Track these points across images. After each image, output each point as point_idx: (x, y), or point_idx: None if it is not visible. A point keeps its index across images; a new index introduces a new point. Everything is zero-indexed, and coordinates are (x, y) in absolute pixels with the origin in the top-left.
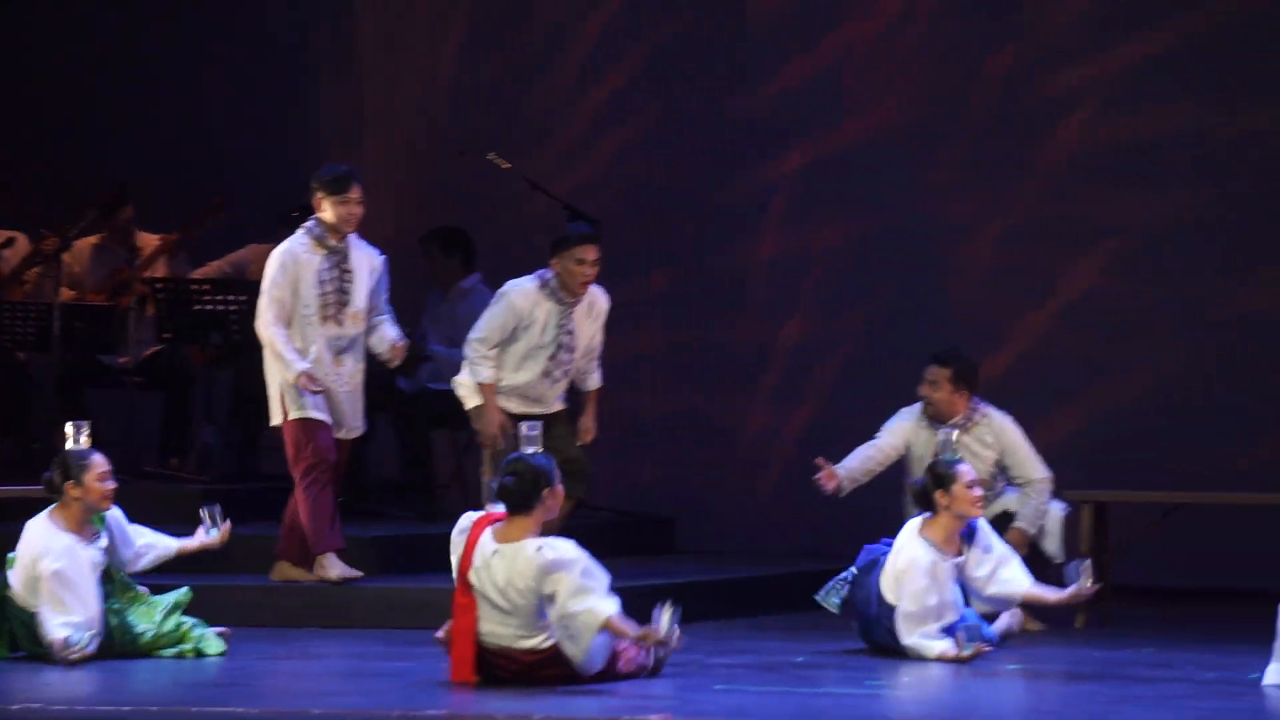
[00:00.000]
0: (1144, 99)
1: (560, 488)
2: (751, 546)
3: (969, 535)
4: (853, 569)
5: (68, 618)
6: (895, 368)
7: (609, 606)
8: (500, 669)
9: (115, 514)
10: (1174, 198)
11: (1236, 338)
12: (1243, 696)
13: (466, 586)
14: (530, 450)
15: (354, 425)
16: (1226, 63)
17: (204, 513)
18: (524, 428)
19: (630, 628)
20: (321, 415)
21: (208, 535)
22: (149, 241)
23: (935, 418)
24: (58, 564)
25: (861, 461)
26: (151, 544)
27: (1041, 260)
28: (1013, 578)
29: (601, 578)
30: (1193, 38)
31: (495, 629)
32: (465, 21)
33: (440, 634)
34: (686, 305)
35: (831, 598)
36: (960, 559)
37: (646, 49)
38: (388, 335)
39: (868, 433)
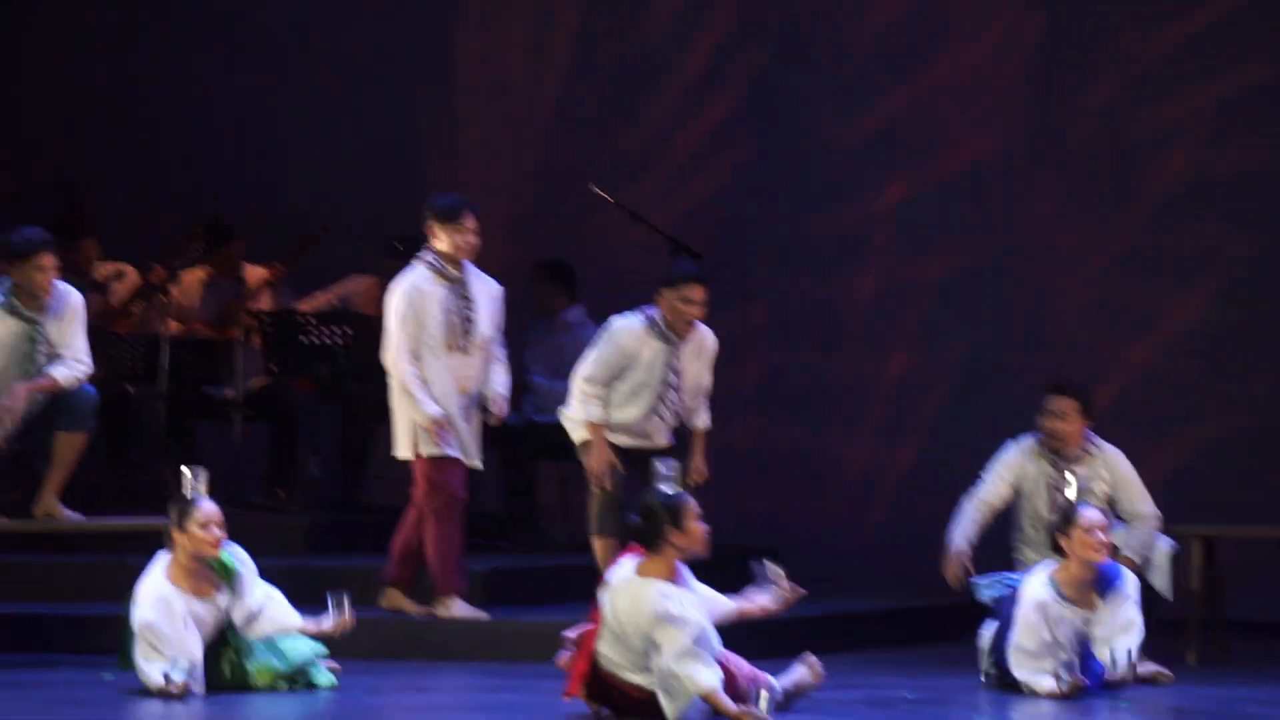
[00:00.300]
0: (1246, 131)
1: (696, 525)
2: (857, 580)
3: (1104, 587)
4: (1018, 576)
5: (159, 661)
6: (998, 401)
7: (709, 679)
8: (610, 694)
9: (245, 567)
10: (1268, 232)
11: None
12: None
13: (598, 604)
14: (664, 487)
15: (476, 456)
16: None
17: (331, 599)
18: (659, 466)
19: (729, 705)
20: (455, 453)
21: (330, 621)
22: (255, 274)
23: (1056, 451)
24: (148, 615)
25: (975, 525)
26: (272, 615)
27: (1144, 293)
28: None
29: (710, 646)
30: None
31: (610, 654)
32: (566, 46)
33: (570, 634)
34: (787, 339)
35: (987, 590)
36: (1089, 614)
37: (746, 78)
38: (496, 391)
39: (972, 466)
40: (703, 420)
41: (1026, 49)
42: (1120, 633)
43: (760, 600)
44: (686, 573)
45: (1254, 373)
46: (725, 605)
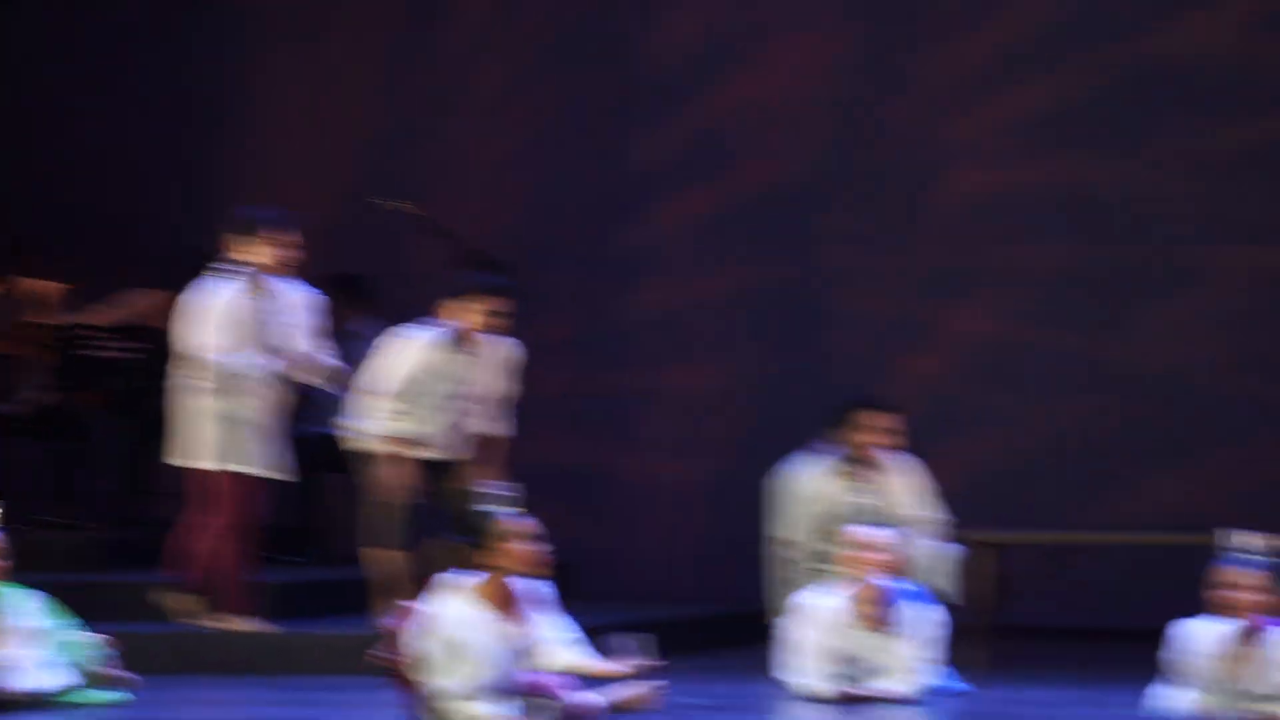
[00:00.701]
0: (1033, 150)
1: (523, 547)
2: (651, 593)
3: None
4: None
5: None
6: (791, 417)
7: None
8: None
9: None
10: (1061, 248)
11: (1123, 385)
12: None
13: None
14: (498, 506)
15: (284, 468)
16: (1110, 117)
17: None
18: (491, 487)
19: None
20: (256, 470)
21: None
22: (47, 289)
23: (861, 465)
24: None
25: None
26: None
27: (932, 308)
28: None
29: (509, 682)
30: (1079, 91)
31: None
32: (369, 68)
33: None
34: (581, 353)
35: None
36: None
37: (544, 97)
38: (321, 363)
39: (761, 480)
40: (499, 429)
41: (826, 67)
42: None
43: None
44: (536, 598)
45: (1041, 387)
46: (562, 646)
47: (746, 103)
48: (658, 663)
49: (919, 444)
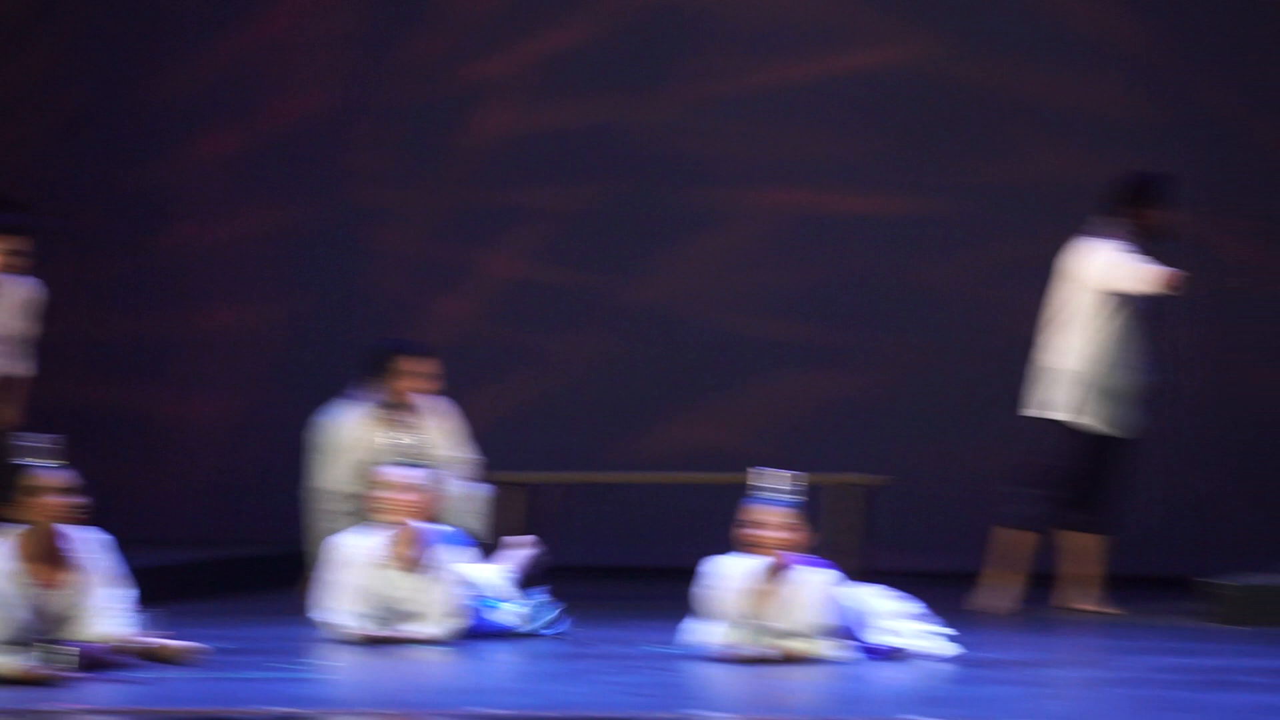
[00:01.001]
0: (558, 91)
1: (44, 500)
2: (186, 533)
3: None
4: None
5: None
6: (323, 356)
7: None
8: None
9: None
10: (586, 189)
11: (648, 325)
12: (642, 670)
13: None
14: (25, 460)
15: None
16: (633, 58)
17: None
18: (29, 439)
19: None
20: None
21: None
22: None
23: (399, 409)
24: None
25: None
26: None
27: (463, 246)
28: None
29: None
30: (603, 32)
31: None
32: None
33: None
34: (113, 293)
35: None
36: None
37: (68, 31)
38: None
39: (298, 421)
40: (22, 370)
41: (341, 5)
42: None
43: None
44: (86, 548)
45: (568, 327)
46: (104, 614)
47: (271, 39)
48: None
49: (451, 386)
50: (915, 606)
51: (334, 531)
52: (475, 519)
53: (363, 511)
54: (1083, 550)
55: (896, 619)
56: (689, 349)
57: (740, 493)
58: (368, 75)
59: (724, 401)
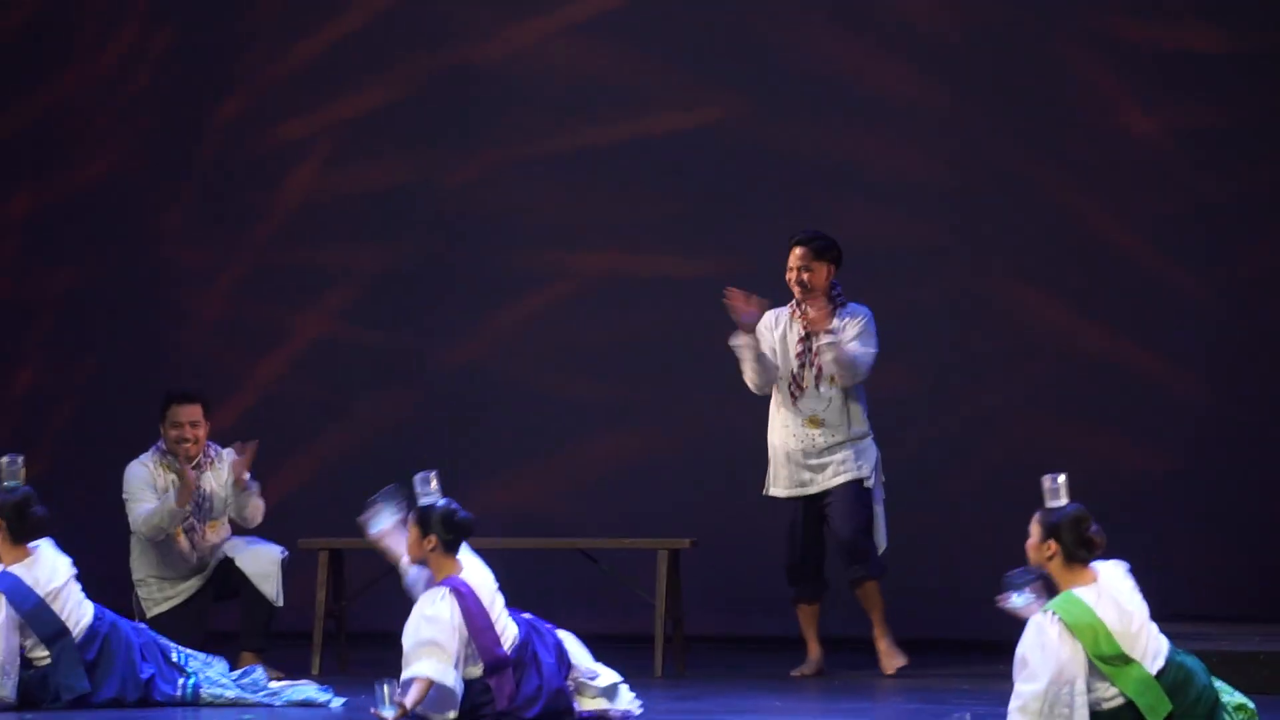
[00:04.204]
0: (372, 150)
1: None
2: None
3: None
4: None
5: None
6: (127, 415)
7: None
8: None
9: None
10: (398, 248)
11: (456, 386)
12: None
13: None
14: None
15: None
16: (444, 114)
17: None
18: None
19: None
20: None
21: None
22: None
23: (183, 458)
24: None
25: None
26: None
27: (274, 306)
28: None
29: None
30: (414, 88)
31: None
32: None
33: None
34: None
35: None
36: None
37: None
38: None
39: (101, 480)
40: None
41: (152, 62)
42: None
43: None
44: None
45: (383, 383)
46: None
47: (78, 93)
48: None
49: (263, 446)
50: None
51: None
52: (268, 581)
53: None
54: (865, 600)
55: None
56: (500, 410)
57: (559, 557)
58: (175, 134)
59: (535, 463)
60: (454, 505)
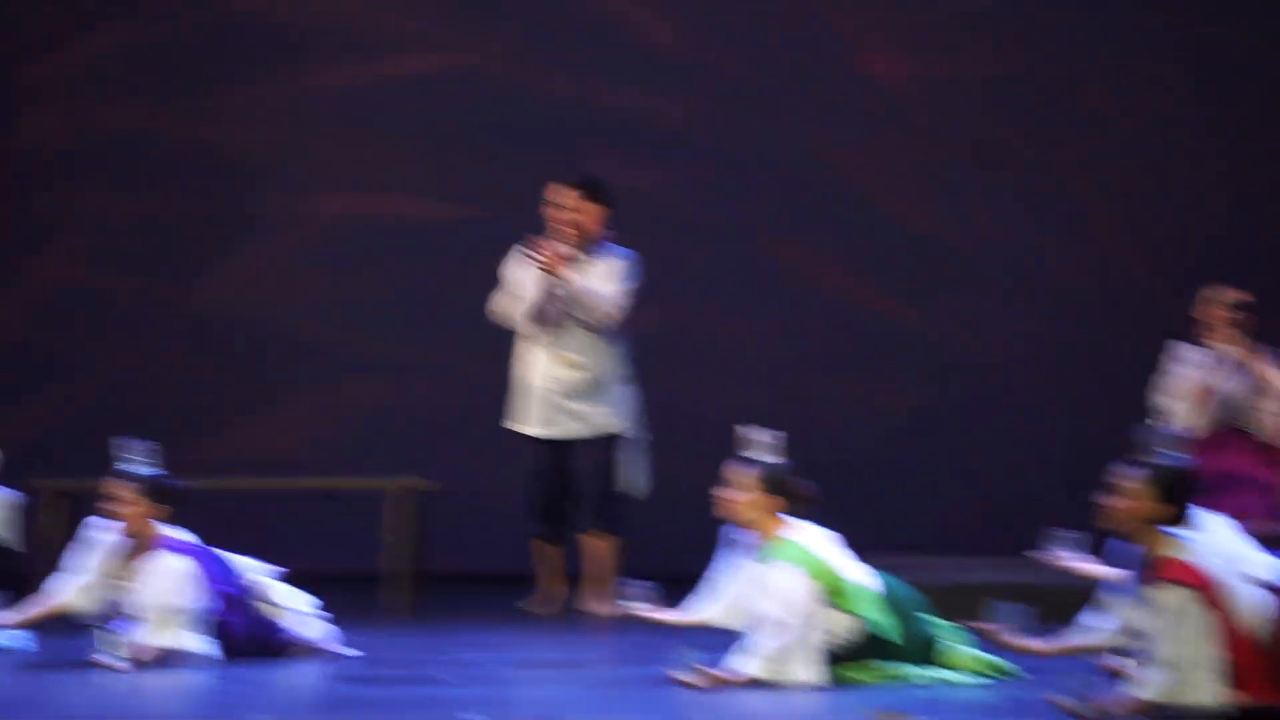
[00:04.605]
0: (114, 93)
1: None
2: None
3: None
4: None
5: None
6: None
7: None
8: None
9: None
10: (144, 192)
11: (206, 330)
12: None
13: None
14: None
15: None
16: (190, 56)
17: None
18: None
19: None
20: None
21: None
22: None
23: None
24: None
25: None
26: None
27: (14, 252)
28: None
29: None
30: (156, 30)
31: None
32: None
33: None
34: None
35: None
36: None
37: None
38: None
39: None
40: None
41: None
42: None
43: None
44: None
45: (124, 333)
46: None
47: None
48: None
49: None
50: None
51: None
52: (4, 526)
53: None
54: (592, 552)
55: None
56: (250, 354)
57: (300, 498)
58: None
59: (286, 407)
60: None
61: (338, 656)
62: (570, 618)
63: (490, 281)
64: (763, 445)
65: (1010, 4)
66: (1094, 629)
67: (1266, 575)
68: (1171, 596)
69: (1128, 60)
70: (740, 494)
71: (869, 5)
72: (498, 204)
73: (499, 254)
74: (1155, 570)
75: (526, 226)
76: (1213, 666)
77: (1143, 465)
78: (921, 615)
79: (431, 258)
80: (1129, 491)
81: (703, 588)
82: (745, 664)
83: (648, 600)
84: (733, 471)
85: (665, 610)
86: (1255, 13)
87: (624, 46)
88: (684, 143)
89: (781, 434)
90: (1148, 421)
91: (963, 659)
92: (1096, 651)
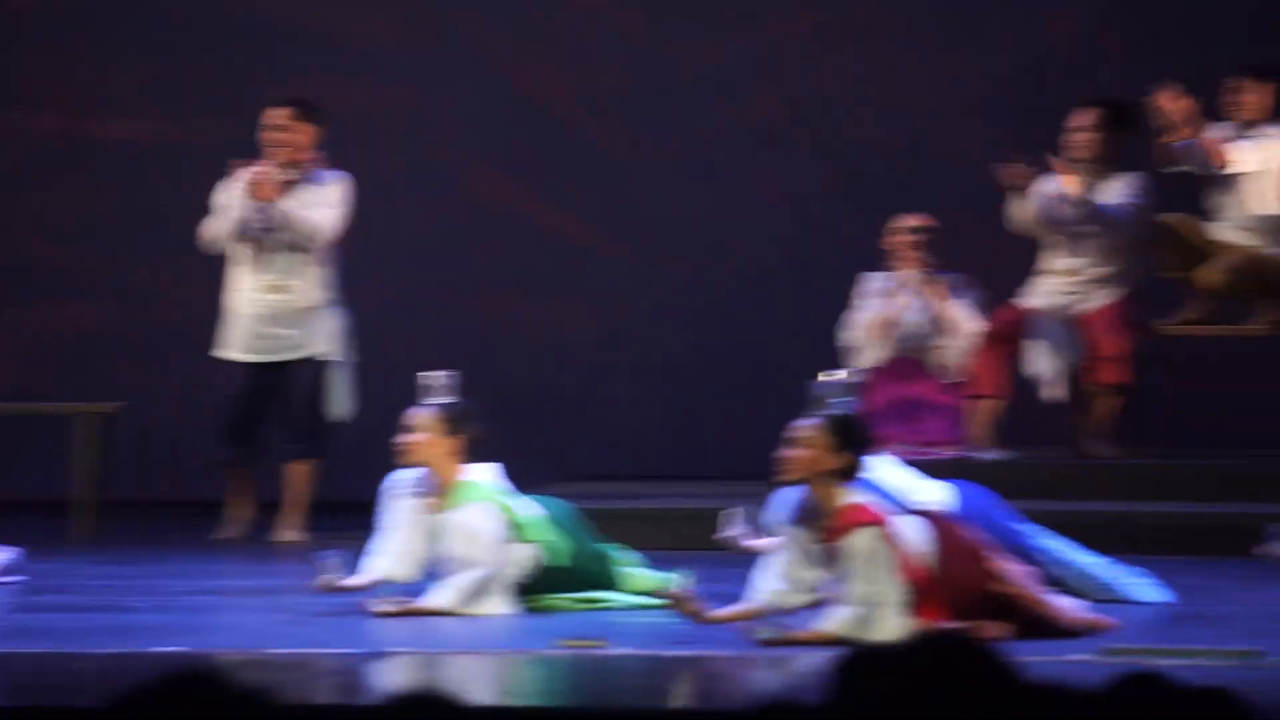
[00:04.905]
0: None
1: None
2: None
3: None
4: None
5: None
6: None
7: None
8: None
9: None
10: None
11: None
12: None
13: None
14: None
15: None
16: None
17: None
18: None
19: None
20: None
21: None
22: None
23: None
24: None
25: None
26: None
27: None
28: None
29: None
30: None
31: None
32: None
33: None
34: None
35: None
36: None
37: None
38: None
39: None
40: None
41: None
42: None
43: None
44: None
45: None
46: None
47: None
48: None
49: None
50: None
51: None
52: None
53: None
54: (290, 479)
55: None
56: None
57: None
58: None
59: None
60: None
61: (20, 583)
62: (263, 543)
63: (203, 205)
64: (439, 387)
65: None
66: (763, 590)
67: (934, 504)
68: (859, 539)
69: None
70: (418, 436)
71: None
72: (212, 123)
73: (213, 175)
74: (837, 520)
75: (242, 148)
76: (899, 600)
77: (818, 416)
78: (588, 538)
79: (140, 179)
80: (806, 443)
81: (377, 540)
82: (439, 597)
83: (339, 569)
84: (410, 415)
85: (355, 577)
86: None
87: None
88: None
89: (455, 373)
90: (819, 374)
91: (642, 581)
92: (769, 613)
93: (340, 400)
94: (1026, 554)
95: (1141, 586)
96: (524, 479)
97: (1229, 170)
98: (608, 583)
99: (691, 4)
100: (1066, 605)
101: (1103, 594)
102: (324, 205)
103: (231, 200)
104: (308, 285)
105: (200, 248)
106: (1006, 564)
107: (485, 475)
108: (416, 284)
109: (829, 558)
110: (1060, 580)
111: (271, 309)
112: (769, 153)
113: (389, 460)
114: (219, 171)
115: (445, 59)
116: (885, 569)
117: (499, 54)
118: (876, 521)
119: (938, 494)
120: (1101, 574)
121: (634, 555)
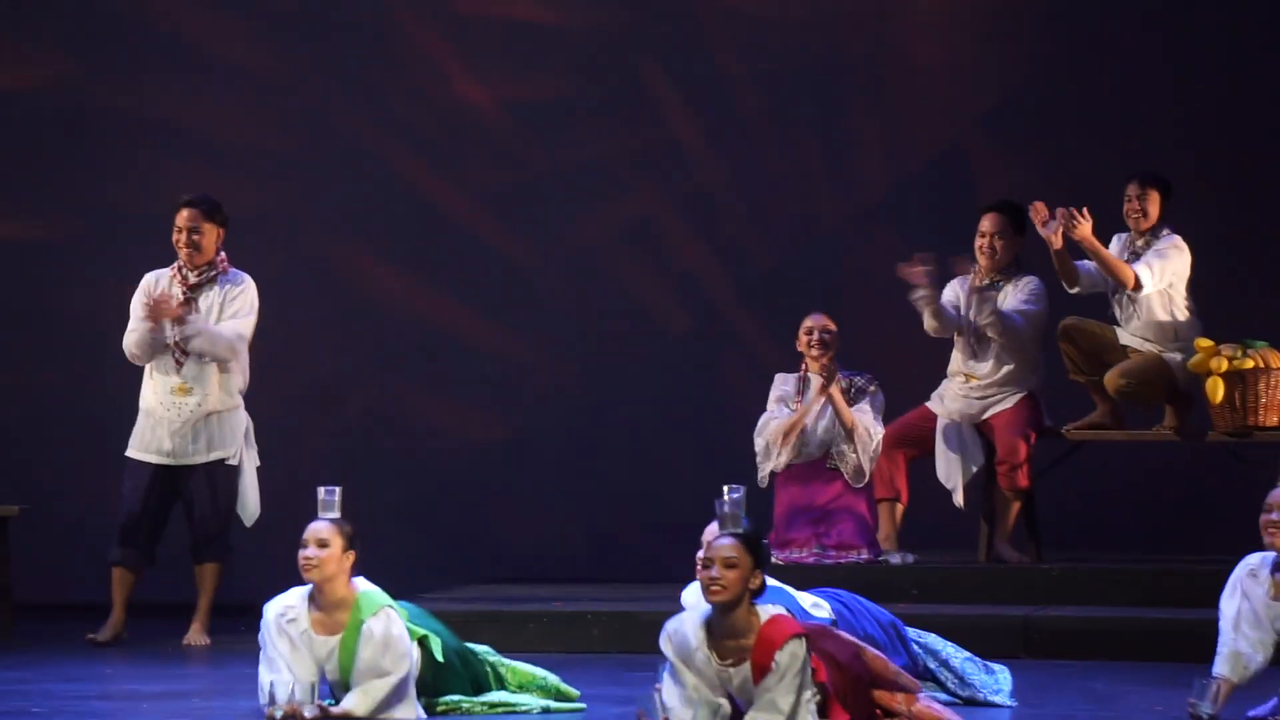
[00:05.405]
0: None
1: None
2: None
3: None
4: None
5: None
6: None
7: None
8: None
9: None
10: None
11: None
12: None
13: None
14: None
15: None
16: None
17: None
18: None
19: None
20: None
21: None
22: None
23: None
24: None
25: None
26: None
27: None
28: None
29: None
30: None
31: None
32: None
33: None
34: None
35: None
36: None
37: None
38: None
39: None
40: None
41: None
42: None
43: None
44: None
45: None
46: None
47: None
48: None
49: None
50: None
51: None
52: None
53: None
54: (200, 580)
55: None
56: None
57: None
58: None
59: None
60: None
61: None
62: (171, 647)
63: (99, 304)
64: (335, 501)
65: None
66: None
67: (822, 614)
68: (788, 651)
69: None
70: (324, 552)
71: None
72: (69, 219)
73: (71, 269)
74: (762, 635)
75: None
76: (815, 707)
77: (732, 535)
78: (452, 635)
79: (33, 277)
80: (733, 563)
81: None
82: (354, 702)
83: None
84: (315, 530)
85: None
86: None
87: (198, 59)
88: (264, 157)
89: (338, 488)
90: (725, 490)
91: (525, 675)
92: None
93: (248, 503)
94: (901, 649)
95: (998, 689)
96: (418, 584)
97: (1128, 280)
98: (492, 678)
99: (586, 101)
100: (939, 710)
101: (966, 692)
102: (236, 314)
103: (140, 316)
104: (216, 389)
105: (127, 358)
106: (889, 665)
107: (368, 585)
108: (300, 384)
109: (742, 676)
110: (933, 675)
111: (180, 412)
112: (668, 249)
113: (280, 563)
114: (116, 270)
115: (320, 157)
116: (807, 678)
117: (382, 143)
118: (800, 633)
119: (812, 602)
120: (968, 673)
121: (495, 653)
